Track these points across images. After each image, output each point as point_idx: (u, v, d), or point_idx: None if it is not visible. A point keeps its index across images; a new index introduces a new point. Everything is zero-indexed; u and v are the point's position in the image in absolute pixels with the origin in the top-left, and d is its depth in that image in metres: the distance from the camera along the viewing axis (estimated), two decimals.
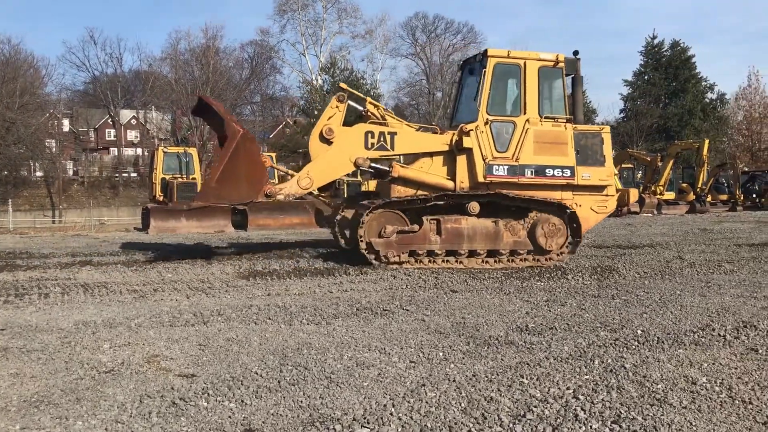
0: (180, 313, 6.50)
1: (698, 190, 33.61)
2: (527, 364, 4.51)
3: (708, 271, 9.24)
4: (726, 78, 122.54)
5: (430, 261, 9.94)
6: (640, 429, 3.31)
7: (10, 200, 34.18)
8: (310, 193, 10.98)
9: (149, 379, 4.28)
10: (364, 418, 3.51)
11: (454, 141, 10.37)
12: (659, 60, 58.82)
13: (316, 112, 47.83)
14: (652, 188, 31.91)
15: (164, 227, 21.74)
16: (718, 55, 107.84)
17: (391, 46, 68.56)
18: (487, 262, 10.07)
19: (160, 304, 7.08)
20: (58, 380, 4.25)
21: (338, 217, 11.38)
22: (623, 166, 31.97)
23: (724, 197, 36.94)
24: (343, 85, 10.55)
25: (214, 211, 24.09)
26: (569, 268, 9.38)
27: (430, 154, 10.56)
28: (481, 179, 10.24)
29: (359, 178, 26.05)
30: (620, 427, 3.34)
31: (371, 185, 20.92)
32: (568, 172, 10.49)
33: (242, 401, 3.82)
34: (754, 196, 38.42)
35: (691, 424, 3.38)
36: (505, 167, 10.28)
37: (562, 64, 10.69)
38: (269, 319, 6.18)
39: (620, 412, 3.54)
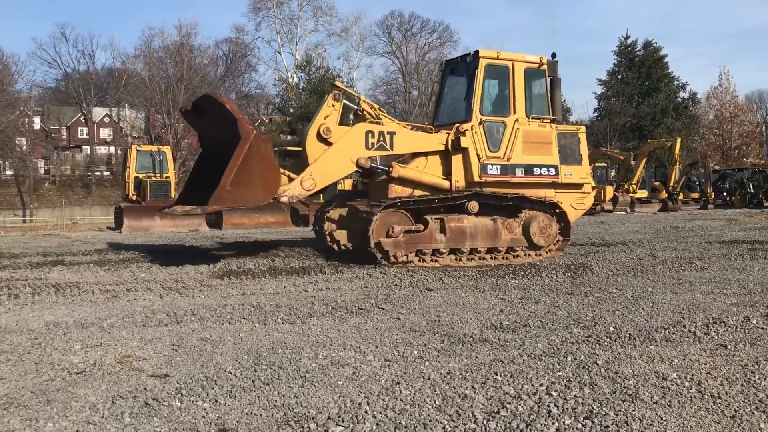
0: (153, 313, 6.44)
1: (670, 188, 34.12)
2: (501, 361, 4.54)
3: (679, 268, 9.37)
4: (697, 77, 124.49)
5: (433, 260, 9.99)
6: (612, 424, 3.35)
7: None
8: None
9: (122, 379, 4.24)
10: (339, 417, 3.51)
11: (450, 140, 10.48)
12: (632, 60, 59.55)
13: (291, 110, 47.71)
14: (626, 187, 32.32)
15: (137, 226, 21.56)
16: (689, 55, 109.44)
17: (367, 45, 68.59)
18: (484, 259, 10.23)
19: (133, 304, 7.01)
20: (28, 382, 4.19)
21: (335, 217, 11.33)
22: (597, 164, 32.29)
23: (696, 195, 37.51)
24: (338, 83, 10.47)
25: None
26: (543, 266, 9.45)
27: (425, 154, 10.65)
28: (476, 178, 10.46)
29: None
30: (592, 422, 3.38)
31: (347, 184, 20.87)
32: (553, 171, 10.95)
33: (216, 401, 3.80)
34: (725, 194, 39.07)
35: (661, 418, 3.42)
36: (498, 166, 10.61)
37: (545, 66, 11.09)
38: (244, 318, 6.15)
39: (592, 407, 3.58)
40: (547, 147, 10.93)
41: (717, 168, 47.66)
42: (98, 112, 64.26)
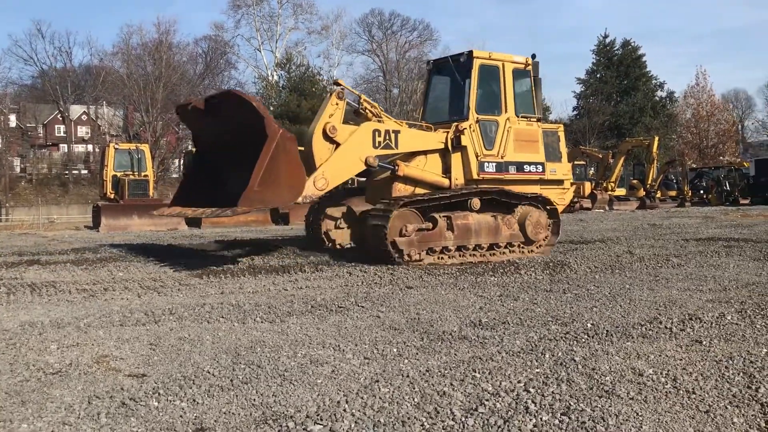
0: (131, 312, 6.39)
1: (648, 186, 34.47)
2: (480, 358, 4.55)
3: (656, 265, 9.46)
4: (674, 77, 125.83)
5: (441, 257, 10.08)
6: (589, 420, 3.38)
7: None
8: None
9: (98, 379, 4.20)
10: (318, 415, 3.50)
11: (450, 139, 10.70)
12: (611, 59, 60.07)
13: (271, 108, 47.47)
14: (604, 184, 32.57)
15: (116, 225, 21.38)
16: (666, 55, 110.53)
17: (348, 43, 68.68)
18: (484, 255, 10.39)
19: (110, 304, 6.95)
20: (2, 383, 4.13)
21: (333, 216, 11.39)
22: (576, 162, 32.53)
23: (673, 193, 37.94)
24: (341, 81, 10.47)
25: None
26: (522, 264, 9.50)
27: (425, 152, 10.81)
28: (475, 176, 10.77)
29: None
30: (569, 418, 3.40)
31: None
32: (540, 168, 11.48)
33: (194, 400, 3.78)
34: (702, 192, 39.54)
35: (637, 414, 3.46)
36: (494, 164, 10.99)
37: (530, 67, 11.49)
38: (222, 317, 6.12)
39: (570, 404, 3.61)
40: (535, 145, 11.40)
41: (694, 166, 48.20)
42: (76, 110, 63.54)
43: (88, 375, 4.29)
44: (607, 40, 60.70)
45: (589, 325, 5.57)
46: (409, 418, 3.45)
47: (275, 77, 56.13)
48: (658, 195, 35.56)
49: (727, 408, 3.55)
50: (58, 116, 64.40)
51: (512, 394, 3.78)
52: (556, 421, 3.37)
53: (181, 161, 38.59)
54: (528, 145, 11.31)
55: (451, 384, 3.99)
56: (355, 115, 10.74)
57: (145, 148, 27.25)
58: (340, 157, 9.83)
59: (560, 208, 11.64)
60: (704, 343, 4.90)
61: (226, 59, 61.70)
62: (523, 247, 10.80)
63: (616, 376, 4.07)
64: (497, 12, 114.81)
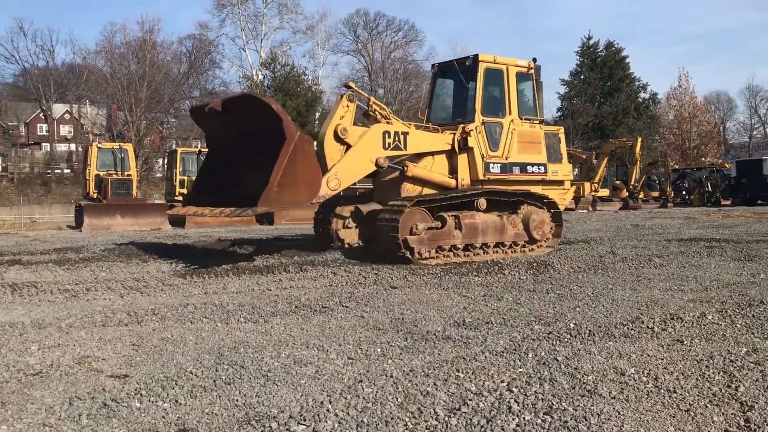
0: (113, 312, 6.35)
1: (631, 187, 34.69)
2: (463, 358, 4.57)
3: (639, 265, 9.53)
4: (657, 78, 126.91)
5: (448, 255, 10.22)
6: (571, 419, 3.40)
7: None
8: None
9: (80, 380, 4.17)
10: (301, 416, 3.50)
11: (456, 140, 11.00)
12: (595, 60, 60.37)
13: None
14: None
15: (98, 225, 21.22)
16: (649, 56, 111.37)
17: (333, 43, 68.48)
18: (488, 253, 10.57)
19: (92, 304, 6.90)
20: None
21: (346, 216, 11.54)
22: None
23: (656, 194, 38.22)
24: (351, 84, 10.68)
25: (151, 208, 23.63)
26: (506, 264, 9.53)
27: (432, 153, 11.08)
28: (481, 176, 11.09)
29: None
30: (552, 417, 3.42)
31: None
32: (542, 169, 11.89)
33: (176, 401, 3.76)
34: (684, 193, 39.91)
35: (619, 413, 3.48)
36: (499, 165, 11.32)
37: (532, 70, 11.87)
38: (206, 317, 6.09)
39: (552, 403, 3.63)
40: (537, 146, 11.81)
41: (676, 167, 48.57)
42: (58, 109, 62.94)
43: (69, 376, 4.26)
44: (591, 42, 61.04)
45: (571, 324, 5.61)
46: (392, 418, 3.45)
47: (260, 77, 55.91)
48: (641, 196, 35.80)
49: (707, 407, 3.59)
50: (41, 115, 63.74)
51: (495, 394, 3.79)
52: (539, 421, 3.39)
53: (165, 160, 38.31)
54: (531, 147, 11.71)
55: (435, 384, 4.00)
56: (364, 117, 10.97)
57: (129, 147, 27.08)
58: (351, 158, 10.05)
59: (561, 208, 11.98)
60: (685, 342, 4.94)
61: (210, 58, 61.39)
62: (527, 246, 11.06)
63: (598, 376, 4.10)
64: (482, 12, 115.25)
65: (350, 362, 4.53)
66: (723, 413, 3.50)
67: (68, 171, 51.46)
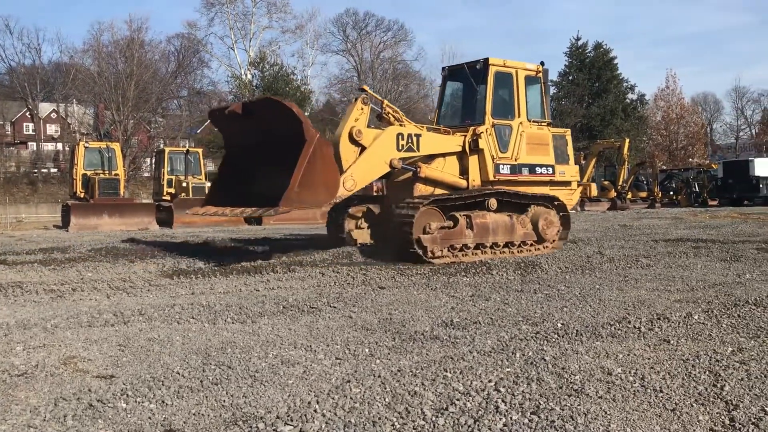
0: (99, 313, 6.30)
1: (619, 187, 34.87)
2: (451, 358, 4.57)
3: (626, 265, 9.58)
4: (644, 79, 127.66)
5: (463, 254, 10.36)
6: (558, 419, 3.40)
7: None
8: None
9: (65, 381, 4.13)
10: (288, 416, 3.49)
11: (467, 142, 11.23)
12: (583, 61, 60.55)
13: None
14: None
15: (85, 225, 21.11)
16: (637, 58, 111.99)
17: (322, 42, 68.47)
18: (495, 252, 10.74)
19: (78, 304, 6.85)
20: None
21: (359, 216, 11.74)
22: None
23: (644, 194, 38.45)
24: (365, 87, 10.84)
25: (138, 208, 23.52)
26: (494, 264, 9.55)
27: (443, 155, 11.29)
28: (491, 177, 11.35)
29: None
30: (539, 417, 3.43)
31: None
32: (550, 170, 12.19)
33: (163, 402, 3.74)
34: (671, 193, 40.18)
35: (605, 412, 3.49)
36: (508, 166, 11.58)
37: (540, 74, 12.21)
38: (193, 318, 6.06)
39: (539, 403, 3.63)
40: (545, 148, 12.12)
41: (664, 168, 48.92)
42: (45, 108, 62.49)
43: (54, 377, 4.23)
44: (580, 43, 61.27)
45: (559, 324, 5.62)
46: (379, 418, 3.45)
47: (249, 76, 55.77)
48: (629, 196, 36.01)
49: (693, 406, 3.60)
50: (27, 114, 63.25)
51: (483, 394, 3.80)
52: (526, 420, 3.39)
53: (152, 160, 38.14)
54: (539, 149, 12.01)
55: (423, 384, 4.00)
56: (377, 120, 11.13)
57: (116, 146, 26.96)
58: (367, 160, 10.21)
59: (568, 208, 12.21)
60: (672, 342, 4.97)
61: (199, 58, 61.11)
62: (535, 245, 11.23)
63: (586, 375, 4.11)
64: (471, 13, 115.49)
65: (338, 362, 4.52)
66: (708, 412, 3.52)
67: (55, 170, 51.09)
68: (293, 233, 17.38)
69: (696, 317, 5.82)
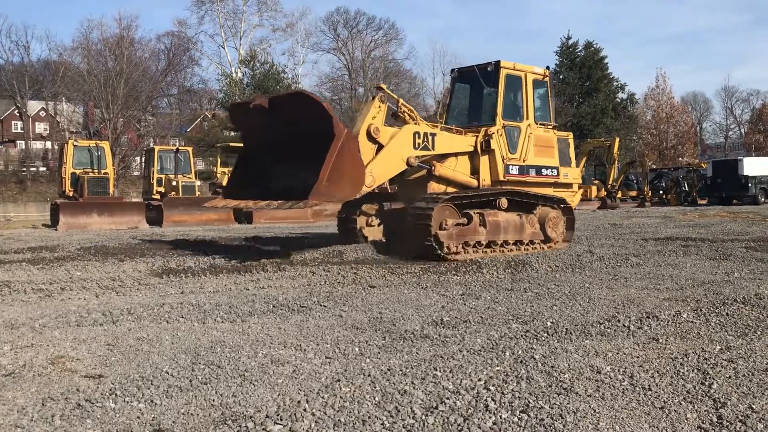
0: (88, 312, 6.27)
1: (609, 186, 34.96)
2: (441, 357, 4.57)
3: (616, 264, 9.61)
4: (634, 78, 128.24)
5: (475, 251, 10.53)
6: (547, 417, 3.41)
7: None
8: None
9: (53, 381, 4.11)
10: (278, 415, 3.48)
11: (479, 142, 11.43)
12: (573, 60, 60.71)
13: None
14: None
15: (74, 223, 20.98)
16: (627, 57, 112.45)
17: (313, 41, 68.48)
18: (507, 250, 10.94)
19: (67, 304, 6.81)
20: None
21: (371, 213, 11.90)
22: None
23: (634, 193, 38.60)
24: (382, 86, 10.98)
25: (128, 207, 23.41)
26: (484, 263, 9.57)
27: (455, 154, 11.47)
28: (501, 177, 11.59)
29: None
30: (528, 415, 3.44)
31: None
32: (555, 172, 12.53)
33: (152, 401, 3.72)
34: (661, 192, 40.32)
35: (594, 411, 3.50)
36: (517, 167, 11.87)
37: (547, 77, 12.56)
38: (182, 317, 6.04)
39: (529, 401, 3.64)
40: (551, 150, 12.47)
41: (654, 167, 49.10)
42: (33, 106, 62.04)
43: (42, 376, 4.20)
44: (570, 42, 61.42)
45: (548, 323, 5.64)
46: (369, 417, 3.45)
47: (239, 74, 55.68)
48: (619, 195, 36.13)
49: (681, 404, 3.62)
50: (15, 112, 62.76)
51: (472, 392, 3.80)
52: (515, 419, 3.40)
53: (142, 159, 37.96)
54: (545, 151, 12.34)
55: (412, 382, 4.00)
56: (393, 118, 11.22)
57: (105, 145, 26.79)
58: (385, 157, 10.34)
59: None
60: (661, 340, 4.99)
61: (189, 56, 60.88)
62: (541, 245, 11.45)
63: (575, 374, 4.12)
64: (462, 12, 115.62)
65: (328, 361, 4.51)
66: (697, 410, 3.54)
67: (44, 169, 50.77)
68: (284, 232, 17.35)
69: (685, 316, 5.85)
